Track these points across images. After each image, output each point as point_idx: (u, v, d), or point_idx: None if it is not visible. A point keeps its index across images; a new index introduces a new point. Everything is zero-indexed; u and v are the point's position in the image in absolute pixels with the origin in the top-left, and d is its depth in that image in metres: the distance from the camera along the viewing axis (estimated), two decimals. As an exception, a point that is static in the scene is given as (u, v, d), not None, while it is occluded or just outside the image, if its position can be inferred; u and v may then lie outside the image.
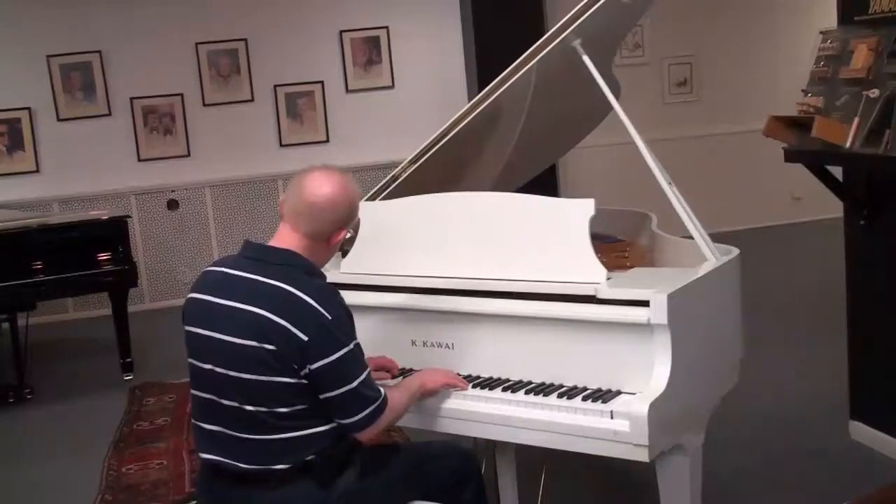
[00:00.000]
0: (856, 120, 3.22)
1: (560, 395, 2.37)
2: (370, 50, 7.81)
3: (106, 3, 7.22)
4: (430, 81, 7.85)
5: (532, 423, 2.36)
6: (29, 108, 7.19)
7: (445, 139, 2.98)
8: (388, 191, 3.07)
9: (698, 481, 2.51)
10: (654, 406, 2.20)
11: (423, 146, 3.02)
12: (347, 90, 7.81)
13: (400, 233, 2.78)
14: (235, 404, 2.19)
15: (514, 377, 2.52)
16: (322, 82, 7.73)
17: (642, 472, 2.66)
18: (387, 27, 7.79)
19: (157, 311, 7.21)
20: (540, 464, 3.04)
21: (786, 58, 8.01)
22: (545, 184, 3.42)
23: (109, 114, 7.37)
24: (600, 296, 2.39)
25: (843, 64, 3.37)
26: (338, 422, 2.22)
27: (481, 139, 3.15)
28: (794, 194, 8.28)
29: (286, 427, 2.18)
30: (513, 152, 3.21)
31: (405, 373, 2.65)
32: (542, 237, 2.54)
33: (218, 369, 2.20)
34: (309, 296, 2.16)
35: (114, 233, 5.36)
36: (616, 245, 3.07)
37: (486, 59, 7.23)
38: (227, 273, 2.28)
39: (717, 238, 2.73)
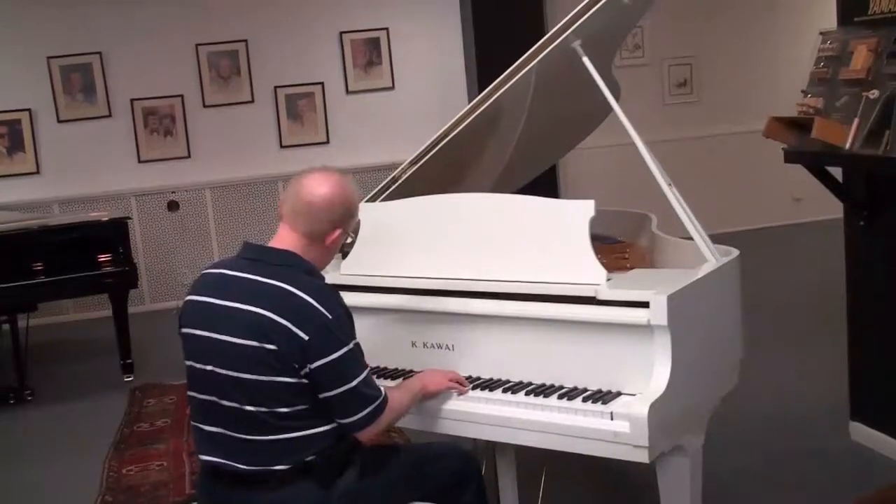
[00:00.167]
0: (855, 121, 3.22)
1: (560, 397, 2.37)
2: (370, 51, 7.81)
3: (106, 5, 7.22)
4: (431, 83, 7.85)
5: (532, 424, 2.36)
6: (29, 110, 7.19)
7: (445, 140, 2.98)
8: (388, 192, 3.07)
9: (698, 482, 2.51)
10: (654, 407, 2.20)
11: (423, 147, 3.02)
12: (347, 91, 7.81)
13: (400, 234, 2.79)
14: (236, 405, 2.19)
15: (515, 378, 2.52)
16: (322, 83, 7.73)
17: (642, 473, 2.66)
18: (387, 28, 7.79)
19: (157, 313, 7.21)
20: (540, 465, 3.04)
21: (786, 58, 8.02)
22: (545, 185, 3.42)
23: (110, 115, 7.37)
24: (600, 297, 2.39)
25: (842, 65, 3.37)
26: (338, 421, 2.22)
27: (481, 140, 3.15)
28: (794, 195, 8.28)
29: (287, 427, 2.18)
30: (513, 153, 3.21)
31: (405, 374, 2.65)
32: (542, 238, 2.54)
33: (218, 370, 2.20)
34: (309, 295, 2.17)
35: (114, 234, 5.37)
36: (616, 246, 3.07)
37: (486, 61, 7.24)
38: (225, 274, 2.29)
39: (716, 239, 2.73)
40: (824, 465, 3.61)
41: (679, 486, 2.45)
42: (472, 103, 2.96)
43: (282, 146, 7.71)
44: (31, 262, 5.12)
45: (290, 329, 2.13)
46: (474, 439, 2.80)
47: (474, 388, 2.51)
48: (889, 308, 3.55)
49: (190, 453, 4.22)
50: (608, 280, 2.43)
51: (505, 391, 2.46)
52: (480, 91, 2.97)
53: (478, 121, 2.94)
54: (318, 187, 2.28)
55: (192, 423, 2.34)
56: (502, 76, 2.86)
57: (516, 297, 2.52)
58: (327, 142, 7.77)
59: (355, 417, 2.22)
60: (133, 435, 4.64)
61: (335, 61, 7.76)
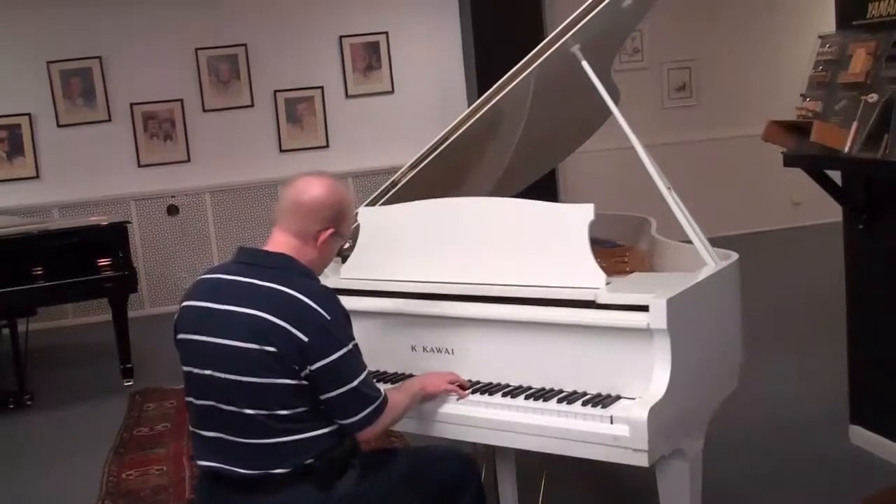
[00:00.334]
0: (854, 124, 3.22)
1: (560, 401, 2.37)
2: (370, 55, 7.82)
3: (106, 9, 7.23)
4: (430, 87, 7.86)
5: (532, 428, 2.36)
6: (29, 114, 7.20)
7: (445, 144, 2.98)
8: (387, 196, 3.07)
9: (698, 486, 2.51)
10: (654, 411, 2.20)
11: (422, 151, 3.02)
12: (347, 95, 7.82)
13: (399, 238, 2.79)
14: (235, 409, 2.19)
15: (514, 382, 2.52)
16: (322, 88, 7.74)
17: (642, 477, 2.65)
18: (386, 32, 7.80)
19: (157, 317, 7.20)
20: (540, 469, 3.04)
21: (785, 62, 8.03)
22: (545, 189, 3.42)
23: (109, 119, 7.38)
24: (600, 301, 2.39)
25: (841, 68, 3.37)
26: (338, 422, 2.23)
27: (481, 144, 3.15)
28: (794, 199, 8.28)
29: (286, 430, 2.18)
30: (512, 157, 3.21)
31: (405, 378, 2.65)
32: (542, 242, 2.54)
33: (217, 374, 2.20)
34: (307, 297, 2.18)
35: (114, 238, 5.37)
36: (615, 250, 3.07)
37: (485, 65, 7.25)
38: (222, 279, 2.30)
39: (716, 242, 2.73)
40: (824, 469, 3.61)
41: (679, 490, 2.44)
42: (471, 107, 2.96)
43: (281, 150, 7.71)
44: (31, 267, 5.11)
45: (289, 331, 2.14)
46: (474, 443, 2.80)
47: (474, 391, 2.51)
48: (888, 311, 3.55)
49: (190, 457, 4.21)
50: (608, 284, 2.43)
51: (504, 395, 2.46)
52: (480, 95, 2.97)
53: (477, 125, 2.94)
54: (308, 187, 2.31)
55: (191, 429, 2.33)
56: (502, 80, 2.87)
57: (516, 300, 2.52)
58: (327, 146, 7.78)
59: (355, 418, 2.22)
60: (133, 439, 4.63)
61: (335, 65, 7.77)
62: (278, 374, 2.15)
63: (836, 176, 3.67)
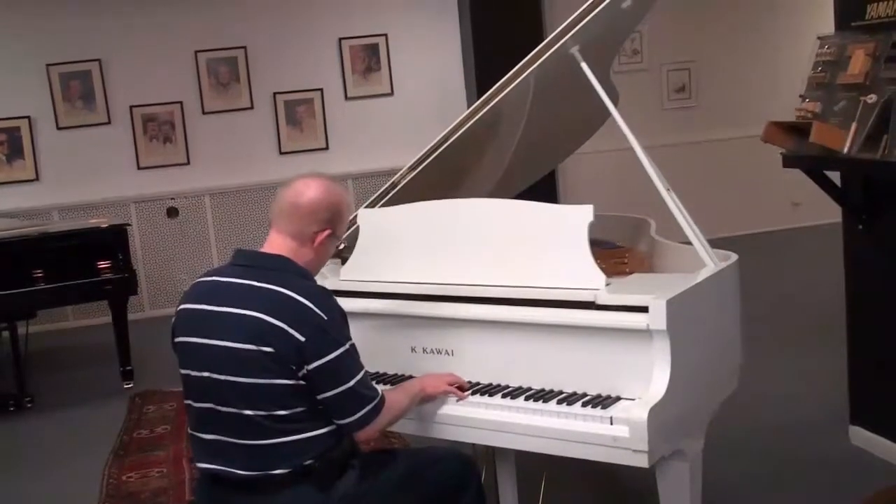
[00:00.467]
0: (853, 125, 3.22)
1: (560, 402, 2.37)
2: (369, 57, 7.82)
3: (105, 12, 7.23)
4: (430, 88, 7.86)
5: (532, 429, 2.36)
6: (29, 117, 7.20)
7: (444, 146, 2.98)
8: (387, 198, 3.07)
9: (698, 487, 2.51)
10: (654, 412, 2.20)
11: (422, 153, 3.02)
12: (347, 97, 7.82)
13: (399, 239, 2.79)
14: (234, 410, 2.19)
15: (514, 383, 2.52)
16: (321, 90, 7.74)
17: (642, 478, 2.66)
18: (385, 34, 7.81)
19: (156, 319, 7.18)
20: (540, 470, 3.04)
21: (784, 63, 8.03)
22: (544, 190, 3.42)
23: (109, 122, 7.38)
24: (599, 302, 2.39)
25: (840, 69, 3.38)
26: (336, 422, 2.23)
27: (480, 146, 3.15)
28: (793, 200, 8.28)
29: (285, 431, 2.19)
30: (512, 159, 3.21)
31: (405, 380, 2.64)
32: (542, 243, 2.54)
33: (215, 376, 2.21)
34: (304, 297, 2.18)
35: (113, 241, 5.37)
36: (615, 251, 3.07)
37: (484, 66, 7.25)
38: (218, 281, 2.30)
39: (715, 243, 2.73)
40: (824, 469, 3.61)
41: (679, 491, 2.44)
42: (470, 109, 2.96)
43: (281, 152, 7.71)
44: (31, 269, 5.12)
45: (286, 331, 2.14)
46: (474, 445, 2.80)
47: (474, 393, 2.51)
48: (888, 311, 3.55)
49: (190, 460, 4.21)
50: (607, 285, 2.43)
51: (504, 396, 2.46)
52: (479, 97, 2.97)
53: (477, 126, 2.94)
54: (305, 189, 2.32)
55: (190, 431, 2.34)
56: (501, 82, 2.87)
57: (515, 302, 2.52)
58: (326, 148, 7.78)
59: (353, 418, 2.23)
60: (133, 442, 4.63)
61: (334, 67, 7.78)
62: (276, 375, 2.16)
63: (835, 177, 3.67)
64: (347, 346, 2.22)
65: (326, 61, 7.75)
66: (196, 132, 7.54)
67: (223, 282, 2.29)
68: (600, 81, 2.81)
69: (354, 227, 2.91)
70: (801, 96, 3.56)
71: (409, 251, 2.76)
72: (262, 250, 2.33)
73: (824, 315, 4.83)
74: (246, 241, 7.34)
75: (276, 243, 2.31)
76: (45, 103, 7.22)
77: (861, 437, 3.77)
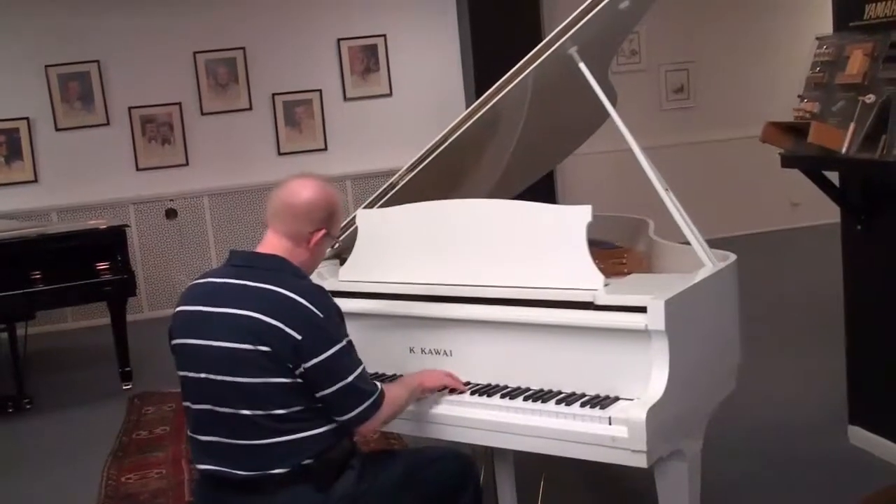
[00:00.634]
0: (852, 125, 3.23)
1: (558, 402, 2.38)
2: (368, 58, 7.82)
3: (104, 13, 7.23)
4: (428, 89, 7.86)
5: (530, 429, 2.36)
6: (27, 118, 7.20)
7: (443, 147, 2.98)
8: (386, 198, 3.07)
9: (697, 487, 2.51)
10: (652, 412, 2.20)
11: (420, 154, 3.03)
12: (345, 98, 7.82)
13: (398, 240, 2.79)
14: (232, 410, 2.20)
15: (513, 384, 2.52)
16: (320, 90, 7.74)
17: (641, 478, 2.66)
18: (384, 35, 7.81)
19: (155, 320, 7.17)
20: (539, 471, 3.04)
21: (783, 64, 8.03)
22: (543, 190, 3.42)
23: (107, 123, 7.38)
24: (598, 302, 2.39)
25: (839, 69, 3.38)
26: (336, 419, 2.24)
27: (479, 146, 3.15)
28: (792, 200, 8.28)
29: (283, 430, 2.19)
30: (510, 159, 3.21)
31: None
32: (540, 244, 2.54)
33: (212, 376, 2.21)
34: (299, 296, 2.19)
35: (112, 242, 5.37)
36: (613, 251, 3.07)
37: (483, 67, 7.25)
38: (214, 282, 2.31)
39: (714, 244, 2.73)
40: (823, 470, 3.61)
41: (677, 491, 2.45)
42: (469, 109, 2.96)
43: (280, 153, 7.71)
44: (30, 271, 5.11)
45: (282, 330, 2.15)
46: (472, 445, 2.80)
47: (472, 393, 2.51)
48: (887, 311, 3.55)
49: (189, 461, 4.21)
50: (606, 285, 2.43)
51: (503, 397, 2.46)
52: (478, 97, 2.97)
53: (475, 127, 2.94)
54: (299, 189, 2.33)
55: (189, 433, 2.34)
56: (499, 82, 2.87)
57: (514, 302, 2.52)
58: (325, 149, 7.78)
59: (353, 413, 2.23)
60: (132, 443, 4.63)
61: (333, 68, 7.78)
62: (273, 374, 2.16)
63: (833, 177, 3.67)
64: (345, 342, 2.23)
65: (325, 62, 7.75)
66: (195, 133, 7.54)
67: (219, 283, 2.30)
68: (599, 82, 2.82)
69: (353, 227, 2.91)
70: (799, 96, 3.56)
71: (408, 252, 2.76)
72: (258, 251, 2.34)
73: (823, 315, 4.84)
74: (245, 241, 7.33)
75: (272, 243, 2.32)
76: (44, 104, 7.22)
77: (860, 436, 3.77)
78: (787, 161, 3.62)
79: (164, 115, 7.46)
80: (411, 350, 2.68)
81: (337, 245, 2.92)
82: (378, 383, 2.31)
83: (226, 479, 2.23)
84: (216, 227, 7.62)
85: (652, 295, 2.30)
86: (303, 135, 7.75)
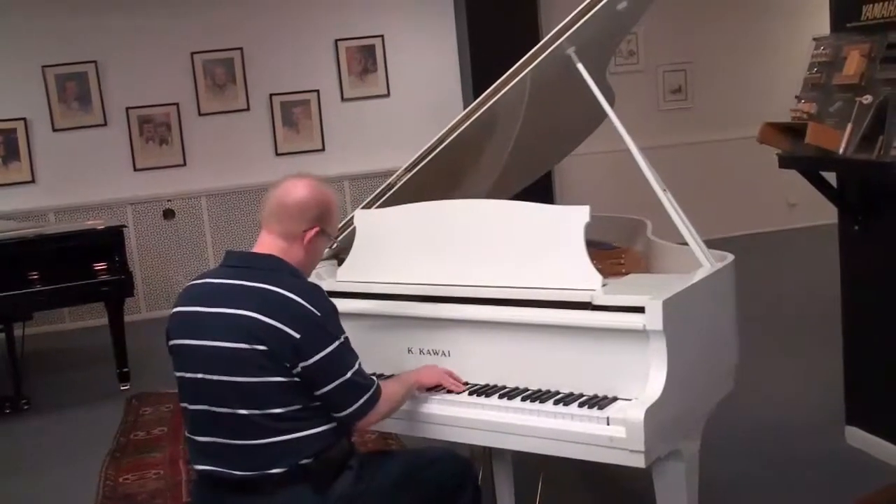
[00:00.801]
0: (849, 126, 3.23)
1: (556, 402, 2.38)
2: (365, 59, 7.82)
3: (101, 14, 7.22)
4: (426, 90, 7.86)
5: (528, 429, 2.36)
6: (24, 119, 7.19)
7: (441, 147, 2.98)
8: (383, 199, 3.08)
9: (695, 487, 2.52)
10: (650, 412, 2.21)
11: (418, 154, 3.03)
12: (343, 99, 7.82)
13: (396, 240, 2.79)
14: (229, 410, 2.20)
15: (511, 384, 2.52)
16: (317, 91, 7.74)
17: (639, 478, 2.66)
18: (382, 36, 7.81)
19: (153, 321, 7.17)
20: (537, 471, 3.04)
21: (780, 64, 8.04)
22: (540, 191, 3.43)
23: (105, 124, 7.37)
24: (596, 302, 2.39)
25: (836, 70, 3.38)
26: (334, 415, 2.24)
27: (477, 147, 3.16)
28: (789, 200, 8.30)
29: (281, 429, 2.19)
30: (508, 160, 3.21)
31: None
32: (538, 244, 2.55)
33: (209, 377, 2.22)
34: (296, 294, 2.20)
35: (110, 242, 5.37)
36: (611, 252, 3.07)
37: (481, 68, 7.25)
38: (210, 283, 2.32)
39: (711, 244, 2.73)
40: (820, 470, 3.61)
41: (675, 492, 2.45)
42: (467, 110, 2.97)
43: (277, 154, 7.71)
44: (27, 271, 5.11)
45: (280, 329, 2.16)
46: (471, 445, 2.81)
47: (470, 394, 2.51)
48: (884, 312, 3.56)
49: (187, 461, 4.21)
50: (604, 285, 2.44)
51: (501, 397, 2.46)
52: (476, 98, 2.97)
53: (473, 127, 2.94)
54: (292, 188, 2.35)
55: (187, 435, 2.34)
56: (497, 83, 2.87)
57: (512, 302, 2.52)
58: (323, 149, 7.78)
59: (351, 408, 2.24)
60: (130, 443, 4.63)
61: (330, 69, 7.77)
62: (270, 373, 2.17)
63: (831, 177, 3.68)
64: (342, 339, 2.24)
65: (323, 63, 7.74)
66: (192, 134, 7.54)
67: (215, 283, 2.30)
68: (596, 82, 2.82)
69: (351, 228, 2.91)
70: (796, 97, 3.57)
71: (406, 252, 2.76)
72: (253, 251, 2.35)
73: (820, 315, 4.84)
74: (242, 242, 7.33)
75: (267, 243, 2.33)
76: (41, 105, 7.21)
77: (857, 437, 3.77)
78: (785, 162, 3.62)
79: (162, 116, 7.46)
80: (409, 350, 2.69)
81: (335, 245, 2.92)
82: (374, 378, 2.33)
83: (223, 479, 2.23)
84: (214, 227, 7.61)
85: (650, 295, 2.30)
86: (300, 135, 7.75)
